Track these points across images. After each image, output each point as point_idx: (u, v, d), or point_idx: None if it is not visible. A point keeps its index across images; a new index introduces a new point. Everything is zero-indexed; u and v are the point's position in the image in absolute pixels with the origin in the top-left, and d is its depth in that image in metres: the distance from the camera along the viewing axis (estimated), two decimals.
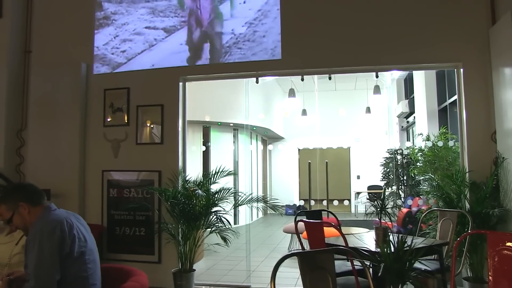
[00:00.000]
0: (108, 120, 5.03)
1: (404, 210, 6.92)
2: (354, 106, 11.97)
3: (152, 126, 4.87)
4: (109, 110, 5.02)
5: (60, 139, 5.02)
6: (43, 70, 5.20)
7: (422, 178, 6.82)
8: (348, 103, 12.12)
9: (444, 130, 6.69)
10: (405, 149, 9.53)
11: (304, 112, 11.28)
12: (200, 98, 7.94)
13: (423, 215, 4.19)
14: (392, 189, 9.55)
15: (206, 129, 9.99)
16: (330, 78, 5.25)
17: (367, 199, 11.54)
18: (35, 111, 5.16)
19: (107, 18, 5.20)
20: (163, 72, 4.93)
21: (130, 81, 5.02)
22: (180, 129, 4.82)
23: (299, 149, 13.52)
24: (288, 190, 13.29)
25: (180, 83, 4.89)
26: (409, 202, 7.57)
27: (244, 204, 4.52)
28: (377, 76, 4.78)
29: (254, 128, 11.30)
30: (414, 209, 6.70)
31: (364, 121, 12.08)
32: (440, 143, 6.37)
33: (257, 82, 5.94)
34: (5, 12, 5.20)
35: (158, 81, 4.92)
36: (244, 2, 4.77)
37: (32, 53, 5.35)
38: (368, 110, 11.35)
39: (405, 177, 9.06)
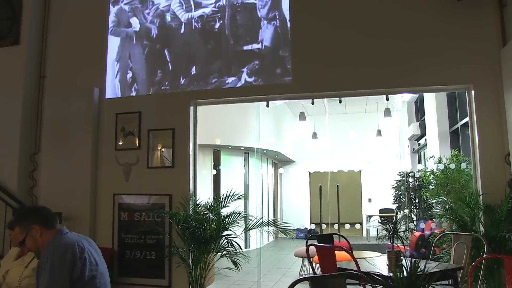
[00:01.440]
0: (120, 144, 5.06)
1: (417, 233, 6.80)
2: (364, 129, 11.94)
3: (163, 150, 4.89)
4: (120, 134, 5.06)
5: (72, 163, 5.06)
6: (56, 95, 5.29)
7: (434, 201, 6.72)
8: (359, 126, 12.09)
9: (456, 152, 6.62)
10: (416, 171, 9.43)
11: (314, 135, 11.26)
12: (211, 122, 7.99)
13: (436, 239, 4.11)
14: (404, 212, 9.41)
15: (217, 152, 10.00)
16: (340, 101, 5.25)
17: (379, 222, 11.38)
18: (48, 135, 5.23)
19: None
20: (174, 96, 4.98)
21: (141, 105, 5.07)
22: (191, 152, 4.84)
23: (310, 173, 13.45)
24: (299, 214, 13.16)
25: (191, 107, 4.93)
26: (422, 225, 7.45)
27: (255, 228, 4.48)
28: (387, 99, 4.77)
29: (265, 152, 11.29)
30: (427, 232, 6.58)
31: (375, 144, 12.01)
32: (452, 166, 6.30)
33: (267, 105, 5.95)
34: (22, 39, 5.33)
35: (169, 105, 4.97)
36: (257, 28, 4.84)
37: (46, 78, 5.46)
38: (379, 133, 11.30)
39: (417, 200, 8.94)
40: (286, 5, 4.77)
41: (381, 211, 11.87)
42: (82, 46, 5.43)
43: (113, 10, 5.40)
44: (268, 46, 4.77)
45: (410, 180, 9.40)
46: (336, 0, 4.71)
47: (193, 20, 5.05)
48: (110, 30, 5.37)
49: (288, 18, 4.75)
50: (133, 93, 5.18)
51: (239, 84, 4.81)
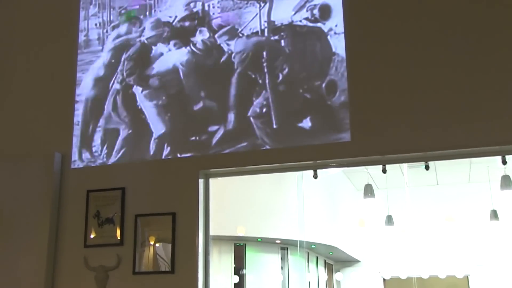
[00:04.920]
0: (92, 237, 5.05)
1: None
2: (470, 208, 11.62)
3: (158, 245, 4.88)
4: (93, 222, 5.06)
5: (16, 268, 5.04)
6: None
7: None
8: (460, 204, 11.77)
9: None
10: None
11: (389, 220, 11.03)
12: (231, 202, 7.93)
13: None
14: None
15: (239, 248, 9.87)
16: (427, 168, 5.14)
17: None
18: None
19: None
20: (175, 164, 5.02)
21: (125, 179, 5.11)
22: (200, 249, 4.80)
23: (384, 279, 13.04)
24: None
25: (201, 181, 4.94)
26: None
27: None
28: (504, 162, 4.62)
29: (313, 246, 11.09)
30: None
31: (490, 233, 11.58)
32: None
33: (315, 177, 5.90)
34: None
35: (168, 177, 5.01)
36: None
37: None
38: (494, 215, 10.94)
39: None
40: (339, 25, 4.87)
41: None
42: (37, 89, 5.66)
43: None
44: (314, 90, 4.81)
45: None
46: (415, 20, 4.76)
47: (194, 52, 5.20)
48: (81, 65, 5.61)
49: (343, 48, 4.81)
50: (114, 159, 5.23)
51: (272, 146, 4.81)
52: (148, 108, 5.24)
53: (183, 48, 5.28)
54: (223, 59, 5.12)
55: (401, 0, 4.81)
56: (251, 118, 4.92)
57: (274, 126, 4.84)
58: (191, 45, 5.25)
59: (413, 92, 4.59)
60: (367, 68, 4.75)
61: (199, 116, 5.08)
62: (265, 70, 4.98)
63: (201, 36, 5.24)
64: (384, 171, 6.38)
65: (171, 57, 5.30)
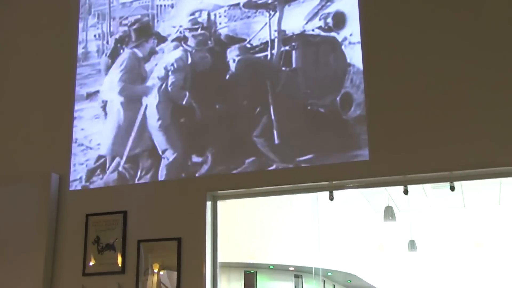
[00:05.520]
0: (91, 264, 5.05)
1: None
2: (500, 233, 11.50)
3: (162, 273, 4.86)
4: (93, 248, 5.06)
5: None
6: None
7: None
8: (489, 229, 11.66)
9: None
10: None
11: (412, 246, 10.96)
12: (240, 227, 7.90)
13: None
14: None
15: (249, 276, 9.82)
16: (453, 189, 5.08)
17: None
18: None
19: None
20: (180, 185, 5.03)
21: (127, 202, 5.12)
22: (207, 277, 4.78)
23: None
24: None
25: (208, 203, 4.94)
26: None
27: None
28: None
29: (330, 274, 11.03)
30: None
31: None
32: None
33: (331, 198, 5.86)
34: None
35: (173, 200, 5.01)
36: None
37: None
38: None
39: None
40: (355, 34, 4.87)
41: None
42: (33, 105, 5.71)
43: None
44: (328, 104, 4.79)
45: None
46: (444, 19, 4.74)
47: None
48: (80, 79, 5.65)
49: (359, 58, 4.81)
50: (112, 177, 5.25)
51: (282, 166, 4.79)
52: (152, 127, 5.26)
53: (187, 63, 5.31)
54: (228, 73, 5.14)
55: (422, 6, 4.79)
56: (261, 136, 4.92)
57: (285, 144, 4.83)
58: (194, 57, 5.29)
59: (437, 106, 4.56)
60: (386, 80, 4.74)
61: (205, 134, 5.08)
62: (275, 83, 4.99)
63: (204, 48, 5.28)
64: (406, 192, 6.31)
65: (175, 77, 5.33)
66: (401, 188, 6.11)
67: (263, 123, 4.93)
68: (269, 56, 5.07)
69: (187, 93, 5.21)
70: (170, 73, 5.32)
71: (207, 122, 5.11)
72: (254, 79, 5.08)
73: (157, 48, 5.43)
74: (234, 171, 4.91)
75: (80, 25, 5.82)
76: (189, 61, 5.29)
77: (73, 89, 5.63)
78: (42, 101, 5.74)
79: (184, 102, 5.23)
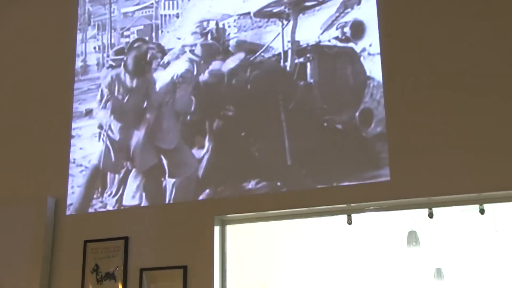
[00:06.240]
0: None
1: None
2: None
3: None
4: (91, 278, 5.04)
5: None
6: None
7: None
8: None
9: None
10: None
11: (438, 274, 10.89)
12: (252, 253, 7.86)
13: None
14: None
15: None
16: (483, 212, 5.03)
17: None
18: None
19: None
20: (185, 209, 5.01)
21: (129, 227, 5.11)
22: None
23: None
24: None
25: (216, 228, 4.93)
26: None
27: None
28: None
29: None
30: None
31: None
32: None
33: (349, 222, 5.81)
34: None
35: (178, 225, 4.99)
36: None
37: None
38: None
39: None
40: (374, 45, 4.86)
41: None
42: (27, 122, 5.75)
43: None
44: (346, 120, 4.79)
45: None
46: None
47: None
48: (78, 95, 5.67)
49: (380, 71, 4.80)
50: (112, 200, 5.24)
51: (296, 188, 4.77)
52: (156, 146, 5.29)
53: (193, 75, 5.34)
54: (238, 87, 5.16)
55: (449, 13, 4.78)
56: (273, 155, 4.92)
57: (299, 163, 4.82)
58: (200, 69, 5.32)
59: (465, 121, 4.54)
60: (409, 94, 4.72)
61: (213, 153, 5.08)
62: (288, 97, 4.99)
63: (211, 60, 5.31)
64: (431, 216, 6.25)
65: (181, 91, 5.35)
66: (426, 211, 6.08)
67: (275, 141, 4.93)
68: (282, 69, 5.08)
69: (193, 108, 5.23)
70: (176, 86, 5.36)
71: (213, 143, 5.12)
72: (265, 94, 5.09)
73: (162, 61, 5.46)
74: (244, 194, 4.90)
75: (79, 36, 5.88)
76: (195, 72, 5.32)
77: (71, 105, 5.66)
78: (37, 118, 5.76)
79: (189, 118, 5.25)
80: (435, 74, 4.69)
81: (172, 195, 5.09)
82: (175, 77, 5.37)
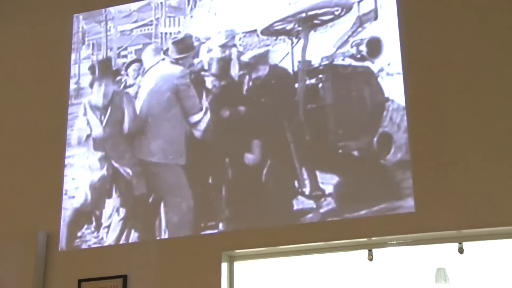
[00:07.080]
0: None
1: None
2: None
3: None
4: None
5: None
6: None
7: None
8: None
9: None
10: None
11: None
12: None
13: None
14: None
15: None
16: None
17: None
18: None
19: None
20: (189, 244, 5.02)
21: (127, 264, 5.11)
22: None
23: None
24: None
25: (224, 264, 4.92)
26: None
27: None
28: None
29: None
30: None
31: None
32: None
33: (370, 258, 5.79)
34: None
35: (181, 261, 4.99)
36: None
37: None
38: None
39: None
40: (393, 63, 4.85)
41: None
42: (16, 150, 5.78)
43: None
44: (363, 146, 4.78)
45: None
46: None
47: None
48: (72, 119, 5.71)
49: (400, 92, 4.80)
50: (109, 235, 5.23)
51: (312, 218, 4.76)
52: (155, 174, 5.29)
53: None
54: (244, 110, 5.18)
55: (476, 27, 4.79)
56: (283, 185, 4.93)
57: (312, 194, 4.82)
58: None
59: (497, 145, 4.53)
60: (434, 117, 4.72)
61: (219, 184, 5.09)
62: (299, 122, 5.00)
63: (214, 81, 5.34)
64: (461, 251, 6.22)
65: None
66: (455, 245, 6.04)
67: (285, 170, 4.93)
68: (291, 91, 5.09)
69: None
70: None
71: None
72: (273, 119, 5.10)
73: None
74: (253, 227, 4.90)
75: (72, 56, 5.90)
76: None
77: (64, 132, 5.67)
78: (28, 146, 5.77)
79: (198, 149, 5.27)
80: (463, 95, 4.69)
81: (174, 229, 5.09)
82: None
